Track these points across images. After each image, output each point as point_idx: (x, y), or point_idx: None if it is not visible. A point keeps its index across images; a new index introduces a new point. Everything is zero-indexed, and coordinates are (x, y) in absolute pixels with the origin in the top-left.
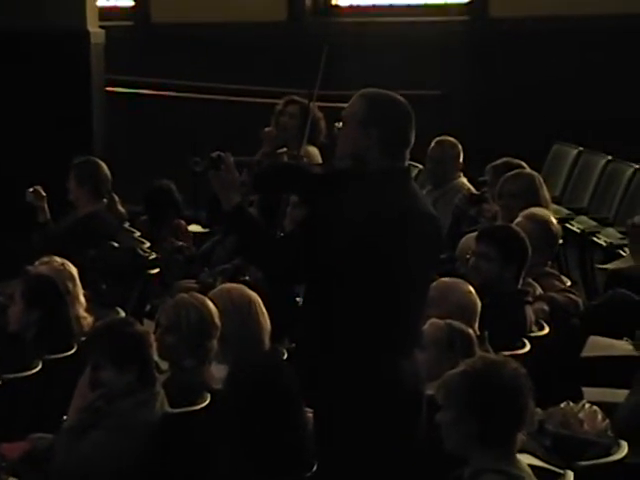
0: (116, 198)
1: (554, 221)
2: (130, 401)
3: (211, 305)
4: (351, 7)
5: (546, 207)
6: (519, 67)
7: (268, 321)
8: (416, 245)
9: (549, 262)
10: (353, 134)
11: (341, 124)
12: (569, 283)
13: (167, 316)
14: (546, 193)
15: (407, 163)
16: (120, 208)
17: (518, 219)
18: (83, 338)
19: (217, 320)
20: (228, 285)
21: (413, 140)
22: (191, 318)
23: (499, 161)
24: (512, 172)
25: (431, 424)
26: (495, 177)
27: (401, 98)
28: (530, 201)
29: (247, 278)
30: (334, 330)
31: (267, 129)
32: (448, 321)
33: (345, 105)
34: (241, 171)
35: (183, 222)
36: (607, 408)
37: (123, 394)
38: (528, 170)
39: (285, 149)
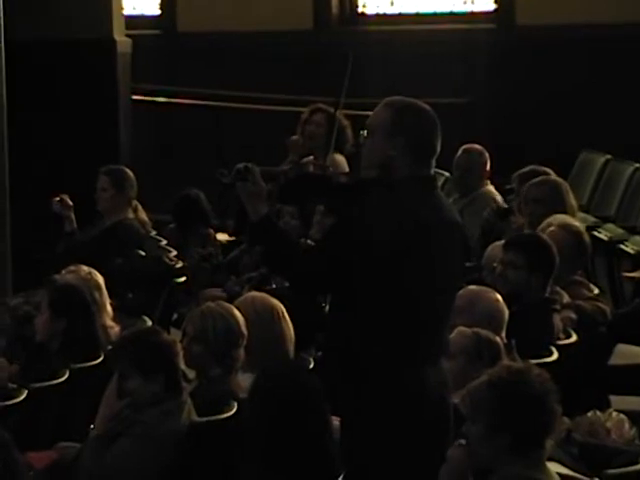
0: (138, 206)
1: (583, 230)
2: (156, 410)
3: (238, 314)
4: (377, 15)
5: (572, 214)
6: (545, 75)
7: (292, 330)
8: (442, 254)
9: (579, 271)
10: (379, 143)
11: (366, 133)
12: (597, 291)
13: (194, 325)
14: (572, 200)
15: (433, 171)
16: (144, 217)
17: (551, 228)
18: (110, 347)
19: (244, 329)
20: (252, 294)
21: (439, 148)
22: (218, 327)
23: (525, 169)
24: (538, 178)
25: (457, 433)
26: (521, 185)
27: (427, 106)
28: (555, 207)
29: (273, 287)
30: (359, 339)
31: (293, 138)
32: (476, 330)
33: (370, 113)
34: (267, 181)
35: (211, 231)
36: (634, 416)
37: (150, 403)
38: (554, 177)
39: (311, 157)
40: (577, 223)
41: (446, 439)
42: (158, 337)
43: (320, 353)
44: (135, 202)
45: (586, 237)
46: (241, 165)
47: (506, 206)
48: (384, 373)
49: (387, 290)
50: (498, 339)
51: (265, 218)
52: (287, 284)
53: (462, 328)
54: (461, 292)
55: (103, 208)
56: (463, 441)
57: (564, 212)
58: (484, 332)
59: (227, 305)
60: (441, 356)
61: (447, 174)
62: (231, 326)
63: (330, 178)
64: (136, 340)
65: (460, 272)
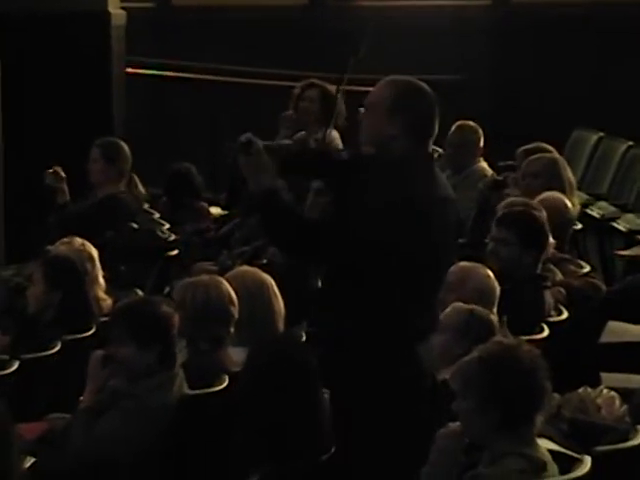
0: (136, 179)
1: (569, 205)
2: (149, 382)
3: (225, 287)
4: None
5: (570, 190)
6: (540, 52)
7: (282, 305)
8: (437, 230)
9: (566, 247)
10: (379, 121)
11: (365, 109)
12: (588, 269)
13: (176, 295)
14: (570, 176)
15: (431, 149)
16: (140, 189)
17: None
18: (102, 319)
19: (230, 302)
20: (243, 268)
21: (437, 128)
22: (197, 298)
23: (530, 145)
24: (537, 155)
25: (443, 409)
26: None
27: (426, 86)
28: (552, 182)
29: (265, 261)
30: (352, 314)
31: (286, 113)
32: (472, 306)
33: (364, 89)
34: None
35: (204, 204)
36: (625, 394)
37: (142, 374)
38: (555, 154)
39: (304, 133)
40: (557, 196)
41: (433, 414)
42: (157, 308)
43: (311, 328)
44: (132, 175)
45: (566, 210)
46: (244, 138)
47: (500, 178)
48: (376, 347)
49: (381, 265)
50: (492, 317)
51: (269, 190)
52: (281, 258)
53: (458, 304)
54: (452, 268)
55: (95, 180)
56: (453, 424)
57: (561, 188)
58: (479, 309)
59: (216, 278)
60: (431, 331)
61: (440, 150)
62: (210, 298)
63: (331, 154)
64: (135, 308)
65: (453, 248)
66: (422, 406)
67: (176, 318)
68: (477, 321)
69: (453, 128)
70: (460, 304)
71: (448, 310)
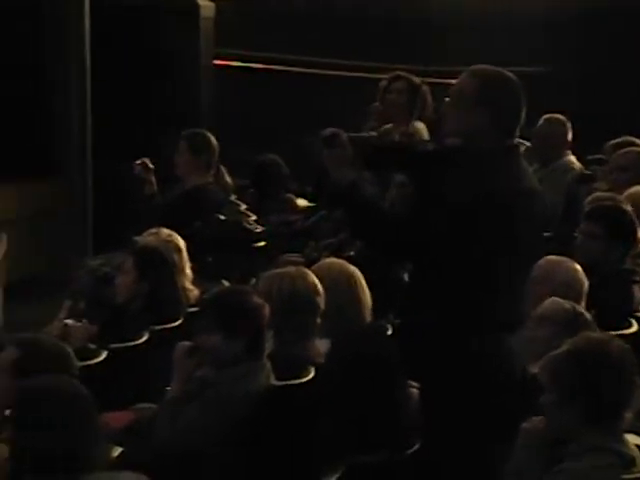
0: (223, 170)
1: None
2: (236, 372)
3: (311, 279)
4: None
5: None
6: (629, 44)
7: (368, 296)
8: (523, 223)
9: None
10: (465, 112)
11: (450, 100)
12: None
13: (262, 285)
14: None
15: (517, 141)
16: (227, 180)
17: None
18: (189, 310)
19: (316, 294)
20: (330, 260)
21: (523, 118)
22: (283, 290)
23: (618, 139)
24: (626, 148)
25: (535, 403)
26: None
27: (513, 76)
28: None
29: (351, 253)
30: (437, 306)
31: (374, 105)
32: (571, 303)
33: (450, 81)
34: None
35: (291, 196)
36: None
37: (229, 363)
38: None
39: (391, 125)
40: None
41: (521, 408)
42: (247, 298)
43: (398, 320)
44: (219, 166)
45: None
46: (328, 132)
47: (588, 172)
48: (461, 340)
49: (465, 258)
50: (588, 314)
51: (352, 184)
52: (365, 251)
53: (556, 299)
54: (540, 262)
55: (182, 172)
56: (537, 418)
57: None
58: (577, 306)
59: (301, 269)
60: (518, 324)
61: (528, 143)
62: (297, 289)
63: (415, 146)
64: (224, 298)
65: (539, 242)
66: (511, 399)
67: (266, 309)
68: (578, 317)
69: (541, 121)
70: (559, 299)
71: (547, 304)
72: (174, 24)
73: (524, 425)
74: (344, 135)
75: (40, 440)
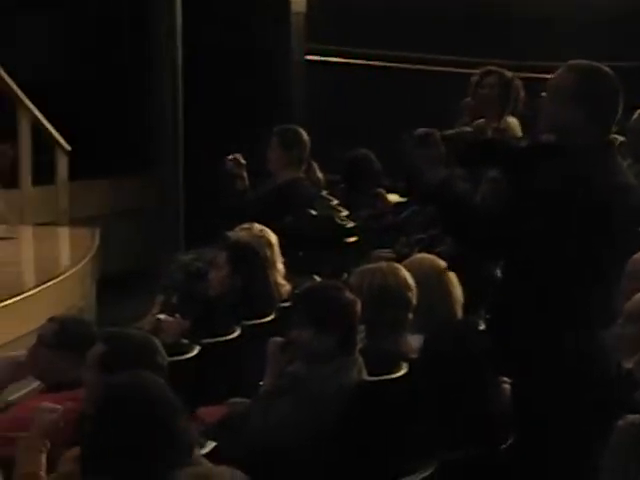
0: (314, 166)
1: None
2: (328, 367)
3: (402, 274)
4: None
5: None
6: None
7: (460, 292)
8: (620, 218)
9: None
10: (561, 107)
11: (546, 95)
12: None
13: (353, 280)
14: None
15: (613, 137)
16: (318, 176)
17: None
18: (281, 305)
19: (408, 289)
20: (420, 255)
21: (620, 114)
22: (374, 284)
23: None
24: None
25: (630, 399)
26: None
27: (610, 71)
28: None
29: (443, 249)
30: (532, 302)
31: (465, 100)
32: None
33: (543, 75)
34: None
35: (382, 191)
36: None
37: (321, 359)
38: None
39: (483, 120)
40: None
41: (616, 404)
42: (340, 293)
43: (489, 316)
44: (310, 161)
45: None
46: (422, 131)
47: None
48: (555, 336)
49: (560, 254)
50: None
51: (445, 182)
52: (458, 246)
53: None
54: (634, 257)
55: (273, 167)
56: (632, 416)
57: None
58: None
59: (392, 264)
60: (612, 320)
61: (621, 138)
62: (388, 284)
63: (509, 142)
64: (317, 293)
65: (634, 237)
66: (605, 396)
67: (358, 305)
68: None
69: (635, 115)
70: None
71: (636, 300)
72: (265, 20)
73: (619, 422)
74: (437, 134)
75: (121, 438)
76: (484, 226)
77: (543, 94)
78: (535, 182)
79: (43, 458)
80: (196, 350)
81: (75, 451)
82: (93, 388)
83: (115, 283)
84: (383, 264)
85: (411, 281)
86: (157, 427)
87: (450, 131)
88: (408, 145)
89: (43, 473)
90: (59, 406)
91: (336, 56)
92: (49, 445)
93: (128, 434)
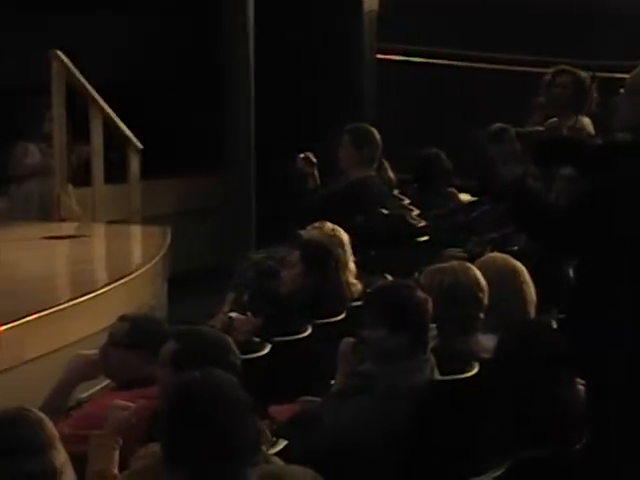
0: (386, 165)
1: None
2: (400, 366)
3: (474, 273)
4: None
5: None
6: None
7: (533, 292)
8: None
9: None
10: (637, 106)
11: (624, 93)
12: None
13: (424, 279)
14: None
15: None
16: (390, 175)
17: None
18: (352, 304)
19: (479, 289)
20: (492, 255)
21: None
22: (445, 283)
23: None
24: None
25: None
26: None
27: None
28: None
29: (515, 248)
30: (606, 303)
31: (538, 99)
32: None
33: (615, 75)
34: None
35: (454, 190)
36: None
37: (393, 358)
38: None
39: (555, 119)
40: None
41: None
42: (412, 292)
43: (563, 316)
44: (382, 160)
45: None
46: (496, 126)
47: None
48: (626, 336)
49: (636, 255)
50: None
51: (520, 179)
52: (529, 246)
53: None
54: None
55: (344, 166)
56: None
57: None
58: None
59: (463, 263)
60: None
61: None
62: (459, 283)
63: (584, 141)
64: (389, 292)
65: None
66: None
67: (430, 304)
68: None
69: None
70: None
71: None
72: (338, 18)
73: None
74: (512, 130)
75: (192, 436)
76: (558, 225)
77: (621, 91)
78: (610, 181)
79: (116, 455)
80: (267, 348)
81: (149, 448)
82: (165, 386)
83: (186, 282)
84: (454, 263)
85: (482, 280)
86: (228, 425)
87: (524, 129)
88: (482, 141)
89: (115, 470)
90: (131, 404)
91: (407, 55)
92: (121, 442)
93: (200, 432)
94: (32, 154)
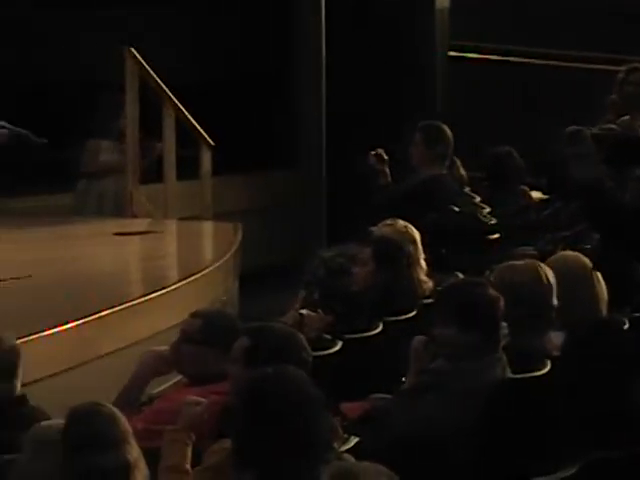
0: (458, 162)
1: None
2: (471, 364)
3: (544, 272)
4: None
5: None
6: None
7: (605, 290)
8: None
9: None
10: None
11: None
12: None
13: (495, 277)
14: None
15: None
16: (462, 172)
17: None
18: (423, 302)
19: (551, 287)
20: (564, 253)
21: None
22: (515, 281)
23: None
24: None
25: None
26: None
27: None
28: None
29: (588, 246)
30: None
31: (611, 97)
32: None
33: None
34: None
35: (526, 188)
36: None
37: (465, 356)
38: None
39: (628, 117)
40: None
41: None
42: (483, 290)
43: (635, 314)
44: (453, 158)
45: None
46: (572, 128)
47: None
48: None
49: None
50: None
51: (594, 178)
52: (602, 244)
53: None
54: None
55: (416, 163)
56: None
57: None
58: None
59: (534, 262)
60: None
61: None
62: (530, 281)
63: None
64: (460, 290)
65: None
66: None
67: (501, 302)
68: None
69: None
70: None
71: None
72: (410, 16)
73: None
74: (587, 131)
75: (264, 433)
76: (633, 225)
77: None
78: None
79: (188, 451)
80: (338, 345)
81: (222, 444)
82: (238, 382)
83: (257, 279)
84: (524, 261)
85: (552, 279)
86: (300, 422)
87: (599, 130)
88: (558, 141)
89: (188, 465)
90: (203, 399)
91: (479, 52)
92: (194, 438)
93: (272, 429)
94: (105, 151)
